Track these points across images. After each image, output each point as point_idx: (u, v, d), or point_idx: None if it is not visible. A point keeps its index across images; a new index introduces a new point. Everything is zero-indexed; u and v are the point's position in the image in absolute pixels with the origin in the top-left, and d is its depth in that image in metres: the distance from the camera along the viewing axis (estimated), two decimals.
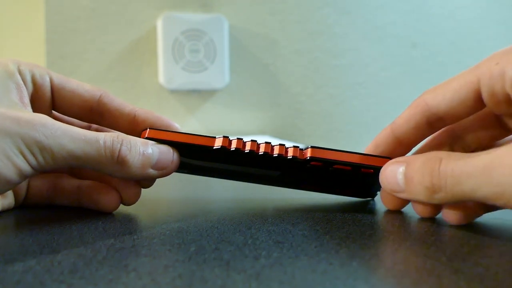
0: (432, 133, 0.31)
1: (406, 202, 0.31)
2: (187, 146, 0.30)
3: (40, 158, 0.26)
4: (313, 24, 0.95)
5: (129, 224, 0.28)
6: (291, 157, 0.30)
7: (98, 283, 0.19)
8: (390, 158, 0.29)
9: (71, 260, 0.22)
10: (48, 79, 0.30)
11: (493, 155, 0.23)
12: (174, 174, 0.30)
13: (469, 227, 0.27)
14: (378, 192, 0.33)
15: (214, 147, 0.30)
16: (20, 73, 0.29)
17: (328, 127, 0.97)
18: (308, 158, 0.30)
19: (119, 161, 0.28)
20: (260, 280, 0.19)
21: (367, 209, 0.32)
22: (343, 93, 0.97)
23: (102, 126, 0.33)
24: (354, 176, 0.31)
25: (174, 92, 0.89)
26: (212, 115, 0.91)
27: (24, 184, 0.31)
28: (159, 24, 0.86)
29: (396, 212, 0.31)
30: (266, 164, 0.31)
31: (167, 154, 0.30)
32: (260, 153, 0.30)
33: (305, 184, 0.34)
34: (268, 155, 0.30)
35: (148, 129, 0.30)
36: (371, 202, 0.34)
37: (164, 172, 0.30)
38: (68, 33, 0.84)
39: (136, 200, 0.31)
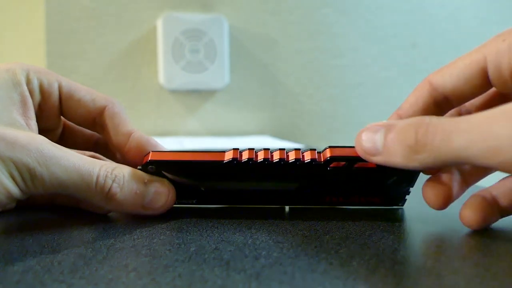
0: (439, 115, 0.29)
1: (449, 198, 0.28)
2: (194, 164, 0.28)
3: (30, 184, 0.25)
4: (313, 24, 0.95)
5: (129, 224, 0.28)
6: (309, 160, 0.28)
7: (98, 283, 0.19)
8: None
9: (71, 260, 0.22)
10: (56, 87, 0.30)
11: (495, 109, 0.21)
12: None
13: None
14: (406, 198, 0.31)
15: (224, 161, 0.28)
16: (28, 82, 0.29)
17: (328, 127, 0.97)
18: (329, 158, 0.28)
19: (108, 197, 0.27)
20: (260, 280, 0.19)
21: (367, 209, 0.32)
22: (343, 93, 0.97)
23: (103, 137, 0.32)
24: (379, 176, 0.29)
25: (174, 92, 0.89)
26: (212, 115, 0.91)
27: None
28: (159, 24, 0.86)
29: (396, 212, 0.31)
30: (282, 175, 0.29)
31: (162, 194, 0.29)
32: (275, 161, 0.28)
33: (326, 196, 0.31)
34: (284, 161, 0.28)
35: (150, 152, 0.29)
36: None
37: (156, 211, 0.29)
38: (68, 33, 0.84)
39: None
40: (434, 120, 0.23)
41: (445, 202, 0.28)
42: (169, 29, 0.86)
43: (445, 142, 0.22)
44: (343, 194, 0.31)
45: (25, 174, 0.25)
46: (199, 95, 0.90)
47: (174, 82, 0.87)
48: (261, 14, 0.92)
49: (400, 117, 0.29)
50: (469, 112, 0.30)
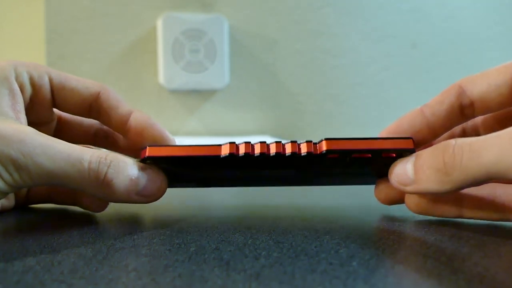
0: (462, 122, 0.29)
1: (400, 196, 0.29)
2: (191, 159, 0.28)
3: (16, 176, 0.25)
4: (313, 24, 0.95)
5: (129, 224, 0.28)
6: (305, 153, 0.28)
7: (98, 283, 0.19)
8: (412, 138, 0.27)
9: (71, 260, 0.22)
10: (47, 80, 0.30)
11: None
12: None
13: (469, 227, 0.27)
14: None
15: (221, 156, 0.28)
16: (17, 76, 0.29)
17: (328, 127, 0.97)
18: (325, 151, 0.28)
19: (104, 184, 0.26)
20: (260, 280, 0.19)
21: (367, 209, 0.32)
22: (343, 93, 0.97)
23: (100, 123, 0.32)
24: (375, 162, 0.29)
25: (174, 92, 0.89)
26: (212, 115, 0.91)
27: None
28: (159, 24, 0.86)
29: (396, 212, 0.31)
30: (279, 165, 0.29)
31: (155, 181, 0.28)
32: (271, 155, 0.28)
33: (322, 179, 0.32)
34: (280, 155, 0.28)
35: (147, 147, 0.28)
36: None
37: (149, 199, 0.28)
38: (68, 33, 0.84)
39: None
40: (459, 141, 0.23)
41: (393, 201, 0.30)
42: (169, 29, 0.86)
43: (474, 159, 0.22)
44: (339, 178, 0.32)
45: (9, 166, 0.25)
46: (199, 95, 0.90)
47: (174, 82, 0.87)
48: (261, 14, 0.92)
49: (423, 113, 0.29)
50: (476, 129, 0.30)
